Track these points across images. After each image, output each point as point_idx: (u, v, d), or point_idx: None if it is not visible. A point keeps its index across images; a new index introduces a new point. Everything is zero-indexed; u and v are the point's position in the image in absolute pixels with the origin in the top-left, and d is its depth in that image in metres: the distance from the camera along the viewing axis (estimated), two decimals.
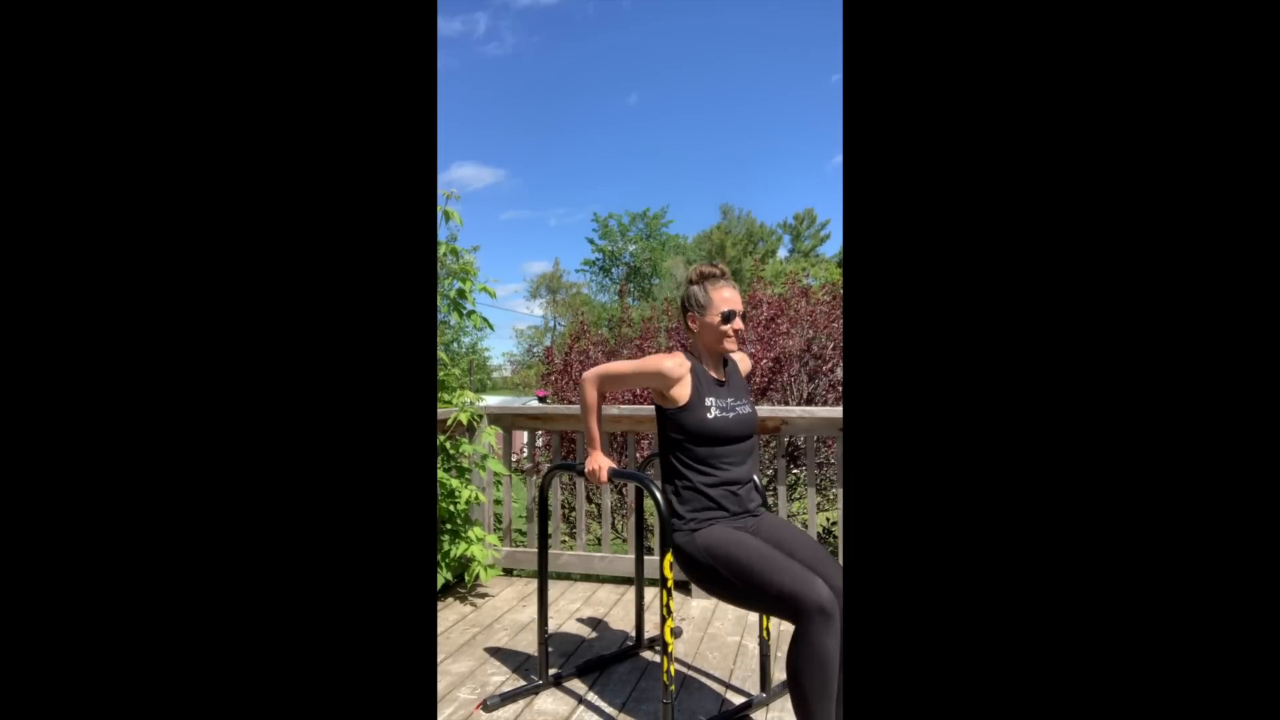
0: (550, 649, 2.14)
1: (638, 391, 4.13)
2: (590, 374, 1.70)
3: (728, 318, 1.64)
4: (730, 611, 2.49)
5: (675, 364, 1.61)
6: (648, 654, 2.15)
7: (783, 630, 2.28)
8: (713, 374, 1.69)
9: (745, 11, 57.92)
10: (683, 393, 1.61)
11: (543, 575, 1.95)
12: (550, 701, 1.85)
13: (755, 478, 1.69)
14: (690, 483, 1.61)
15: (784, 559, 1.46)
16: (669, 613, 1.53)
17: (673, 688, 1.57)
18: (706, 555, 1.52)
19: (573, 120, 61.35)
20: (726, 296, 1.65)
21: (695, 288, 1.69)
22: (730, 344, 1.66)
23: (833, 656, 1.35)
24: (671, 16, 58.96)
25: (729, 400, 1.66)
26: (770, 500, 2.81)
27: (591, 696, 1.88)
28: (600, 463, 1.70)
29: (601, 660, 2.08)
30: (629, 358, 4.43)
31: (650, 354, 4.38)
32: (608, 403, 3.01)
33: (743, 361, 1.84)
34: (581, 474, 1.74)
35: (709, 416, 1.61)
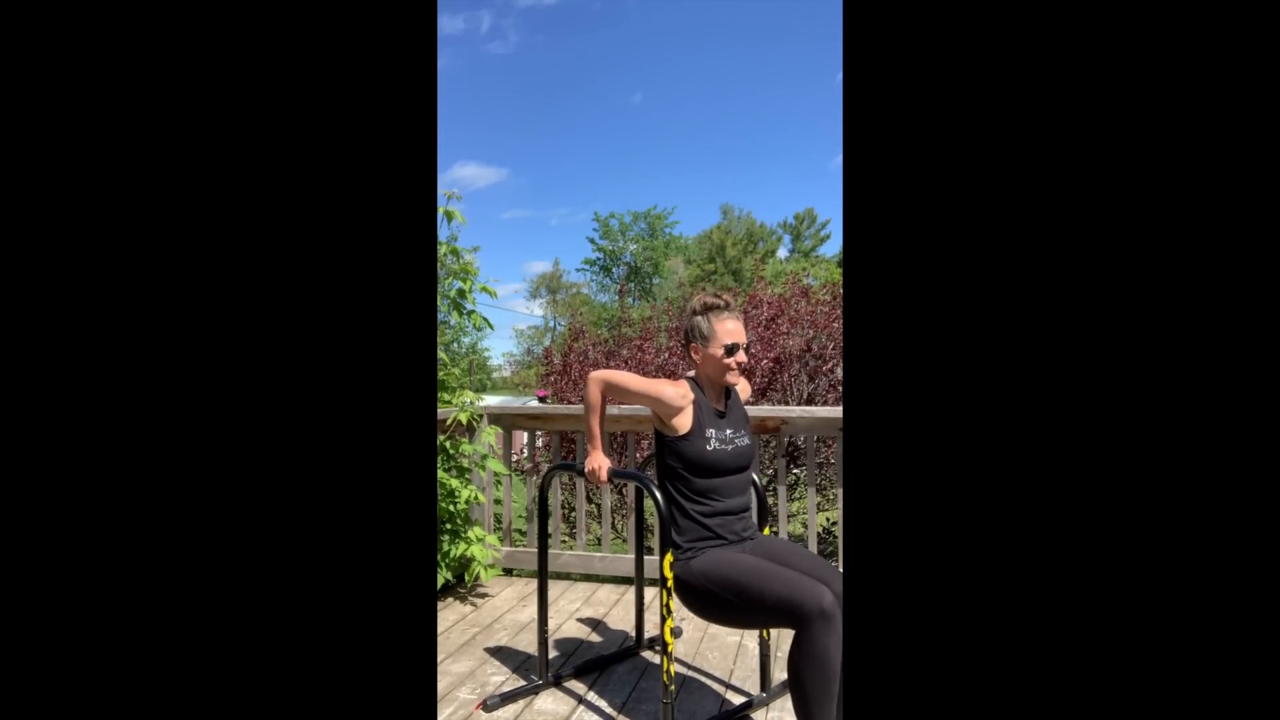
0: (550, 649, 2.14)
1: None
2: (596, 375, 1.70)
3: (730, 350, 1.64)
4: None
5: (679, 394, 1.62)
6: (648, 654, 2.15)
7: (783, 630, 2.28)
8: (714, 405, 1.70)
9: (750, 10, 57.98)
10: (684, 423, 1.63)
11: (543, 575, 1.95)
12: (550, 701, 1.85)
13: (755, 478, 1.69)
14: (685, 511, 1.62)
15: (777, 568, 1.48)
16: (669, 613, 1.53)
17: (673, 688, 1.57)
18: (703, 580, 1.54)
19: (576, 119, 61.36)
20: (730, 329, 1.65)
21: (699, 318, 1.69)
22: (733, 377, 1.67)
23: (834, 657, 1.36)
24: (676, 16, 59.03)
25: (728, 432, 1.67)
26: (770, 501, 2.81)
27: (591, 696, 1.88)
28: (600, 462, 1.71)
29: (601, 660, 2.08)
30: (629, 358, 4.43)
31: (650, 354, 4.38)
32: (609, 402, 3.01)
33: (743, 389, 1.85)
34: (581, 474, 1.75)
35: (708, 448, 1.62)
